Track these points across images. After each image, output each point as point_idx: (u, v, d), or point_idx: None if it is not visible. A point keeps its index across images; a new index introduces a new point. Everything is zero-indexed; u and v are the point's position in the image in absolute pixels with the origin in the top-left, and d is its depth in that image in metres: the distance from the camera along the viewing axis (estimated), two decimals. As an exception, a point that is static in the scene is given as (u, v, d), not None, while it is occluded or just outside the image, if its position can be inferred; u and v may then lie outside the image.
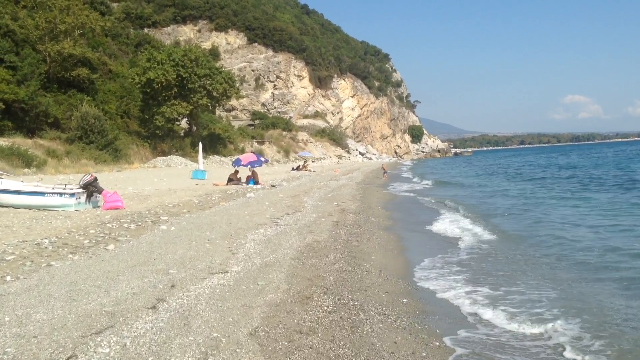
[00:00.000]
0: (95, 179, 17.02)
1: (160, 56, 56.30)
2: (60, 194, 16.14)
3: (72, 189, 16.34)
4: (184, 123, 63.06)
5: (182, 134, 61.40)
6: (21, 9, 55.03)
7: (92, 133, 42.64)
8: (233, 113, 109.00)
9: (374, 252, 11.02)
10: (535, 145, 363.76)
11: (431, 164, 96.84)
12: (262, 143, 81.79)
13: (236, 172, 29.68)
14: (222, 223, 13.72)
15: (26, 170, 31.88)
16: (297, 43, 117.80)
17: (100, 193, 16.90)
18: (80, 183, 16.70)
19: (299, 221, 14.92)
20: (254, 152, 34.51)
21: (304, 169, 53.44)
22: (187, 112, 57.78)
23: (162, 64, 55.08)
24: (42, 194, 16.18)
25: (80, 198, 16.34)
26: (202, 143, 63.19)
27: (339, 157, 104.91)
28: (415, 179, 46.04)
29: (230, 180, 29.08)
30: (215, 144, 65.12)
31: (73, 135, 42.19)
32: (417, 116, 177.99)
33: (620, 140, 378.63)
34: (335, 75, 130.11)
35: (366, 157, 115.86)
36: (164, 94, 54.83)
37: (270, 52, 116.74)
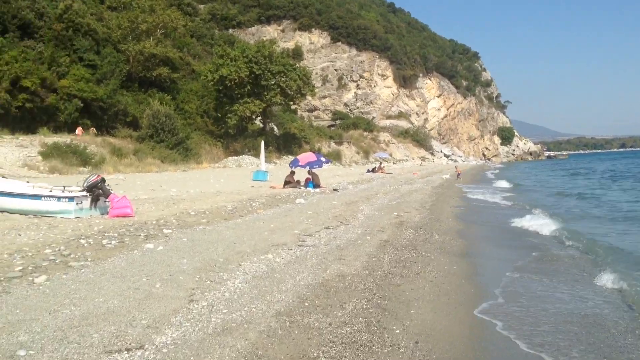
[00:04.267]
0: (103, 180, 14.21)
1: (233, 52, 54.46)
2: (58, 198, 13.44)
3: (71, 191, 13.61)
4: (258, 122, 61.24)
5: (255, 133, 59.19)
6: (106, 9, 55.28)
7: (163, 131, 41.42)
8: (315, 113, 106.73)
9: (418, 299, 7.29)
10: (638, 149, 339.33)
11: (522, 167, 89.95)
12: (340, 143, 78.73)
13: (292, 173, 26.47)
14: (229, 241, 10.43)
15: (82, 168, 30.30)
16: (382, 41, 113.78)
17: (107, 197, 14.08)
18: (84, 185, 13.93)
19: (334, 240, 11.37)
20: (314, 152, 31.34)
21: (380, 170, 49.65)
22: (260, 110, 55.69)
23: (235, 60, 53.15)
24: (37, 197, 13.50)
25: (81, 203, 13.56)
26: (276, 142, 61.26)
27: (423, 159, 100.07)
28: (501, 184, 41.11)
29: (286, 182, 25.94)
30: (290, 143, 62.62)
31: (144, 133, 41.17)
32: (507, 117, 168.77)
33: None
34: (421, 75, 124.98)
35: (451, 159, 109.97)
36: (237, 92, 52.95)
37: (354, 51, 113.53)
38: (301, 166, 26.76)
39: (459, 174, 48.81)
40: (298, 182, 26.27)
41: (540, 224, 15.88)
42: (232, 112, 52.44)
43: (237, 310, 6.09)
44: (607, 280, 8.63)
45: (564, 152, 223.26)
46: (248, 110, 53.43)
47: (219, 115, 54.03)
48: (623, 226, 16.19)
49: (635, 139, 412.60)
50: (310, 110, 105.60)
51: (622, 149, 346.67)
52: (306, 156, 28.13)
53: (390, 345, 5.43)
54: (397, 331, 5.90)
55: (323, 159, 28.84)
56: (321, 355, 5.13)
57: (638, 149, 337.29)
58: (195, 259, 8.50)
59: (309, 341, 5.41)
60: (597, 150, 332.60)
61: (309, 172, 26.86)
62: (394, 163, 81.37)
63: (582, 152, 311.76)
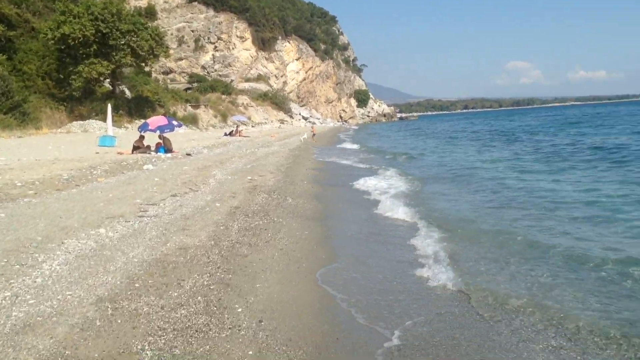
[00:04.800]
0: None
1: (76, 9, 49.77)
2: None
3: None
4: (107, 84, 57.11)
5: (104, 97, 55.13)
6: None
7: (-5, 95, 37.02)
8: (171, 76, 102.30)
9: (266, 270, 6.72)
10: (479, 110, 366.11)
11: (376, 128, 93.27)
12: (197, 107, 76.01)
13: (142, 137, 24.75)
14: (55, 215, 9.15)
15: None
16: (240, 3, 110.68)
17: None
18: None
19: (180, 209, 10.47)
20: (165, 115, 29.64)
21: (238, 134, 48.60)
22: (109, 71, 51.76)
23: (79, 17, 48.63)
24: None
25: None
26: (127, 106, 57.60)
27: (282, 121, 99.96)
28: (356, 145, 41.98)
29: (135, 148, 24.21)
30: (143, 107, 59.14)
31: (-28, 97, 36.59)
32: (363, 80, 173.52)
33: (558, 104, 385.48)
34: (280, 38, 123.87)
35: (310, 122, 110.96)
36: (81, 52, 48.55)
37: (211, 12, 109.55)
38: (151, 130, 25.06)
39: (314, 134, 50.40)
40: (148, 147, 24.66)
41: (386, 185, 16.12)
42: (76, 74, 48.18)
43: (47, 300, 5.11)
44: (427, 243, 8.55)
45: (415, 114, 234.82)
46: (95, 72, 49.34)
47: (62, 77, 49.50)
48: (447, 185, 16.54)
49: (476, 100, 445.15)
50: (166, 73, 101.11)
51: (465, 110, 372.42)
52: (156, 119, 26.37)
53: (230, 328, 4.81)
54: (240, 310, 5.28)
55: (175, 122, 27.22)
56: (146, 347, 4.39)
57: (479, 110, 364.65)
58: (8, 239, 7.25)
59: (134, 331, 4.63)
60: (444, 112, 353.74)
61: (159, 137, 25.30)
62: (252, 126, 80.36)
63: (430, 113, 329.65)
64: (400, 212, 11.36)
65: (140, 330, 4.65)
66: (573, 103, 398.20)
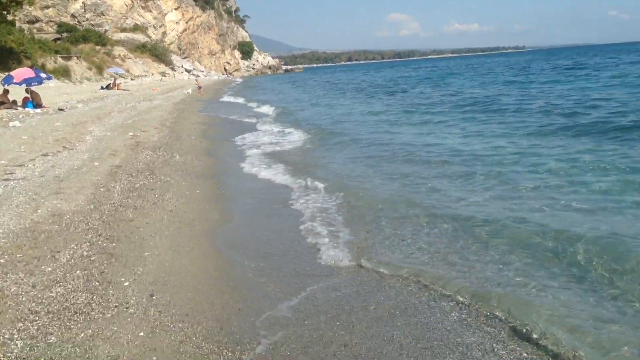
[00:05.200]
0: None
1: None
2: None
3: None
4: (-38, 34, 51.33)
5: (-41, 48, 49.58)
6: None
7: None
8: (37, 25, 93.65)
9: (155, 236, 6.09)
10: (362, 62, 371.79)
11: (262, 81, 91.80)
12: (68, 59, 70.45)
13: (6, 92, 22.38)
14: None
15: None
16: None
17: None
18: None
19: (52, 169, 9.40)
20: (32, 68, 27.00)
21: (116, 87, 45.70)
22: (-37, 19, 46.57)
23: None
24: None
25: None
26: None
27: (163, 74, 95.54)
28: (242, 99, 40.95)
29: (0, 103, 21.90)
30: (7, 59, 53.88)
31: None
32: (247, 32, 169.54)
33: (436, 56, 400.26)
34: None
35: (193, 75, 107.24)
36: None
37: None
38: (16, 83, 22.67)
39: (200, 87, 49.12)
40: (14, 102, 22.37)
41: (273, 140, 15.70)
42: None
43: None
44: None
45: (300, 66, 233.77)
46: (-55, 19, 44.23)
47: None
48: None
49: (359, 52, 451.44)
50: (32, 22, 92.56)
51: (348, 62, 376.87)
52: (22, 72, 23.87)
53: (116, 306, 4.20)
54: (126, 283, 4.66)
55: (43, 74, 24.83)
56: (16, 336, 3.70)
57: (362, 62, 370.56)
58: None
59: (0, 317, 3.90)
60: (328, 64, 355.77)
61: (27, 91, 23.02)
62: (132, 79, 76.13)
63: (315, 65, 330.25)
64: (281, 171, 10.96)
65: (7, 315, 3.94)
66: (449, 55, 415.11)
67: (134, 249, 5.56)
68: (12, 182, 8.23)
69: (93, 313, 4.05)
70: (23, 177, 8.62)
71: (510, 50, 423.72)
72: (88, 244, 5.65)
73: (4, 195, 7.42)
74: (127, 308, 4.18)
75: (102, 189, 8.16)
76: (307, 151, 13.53)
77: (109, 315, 4.05)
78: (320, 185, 8.98)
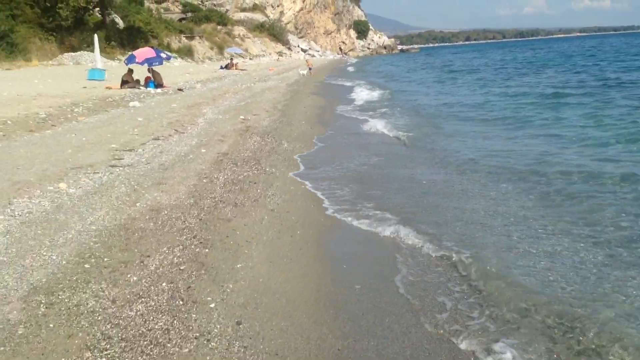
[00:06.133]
0: None
1: None
2: None
3: None
4: (97, 14, 54.52)
5: (95, 27, 52.65)
6: None
7: (-22, 24, 35.11)
8: (164, 5, 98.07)
9: (252, 241, 5.50)
10: (481, 42, 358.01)
11: (379, 62, 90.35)
12: (192, 38, 73.25)
13: (130, 71, 23.15)
14: (13, 164, 7.87)
15: None
16: None
17: None
18: None
19: (159, 155, 9.18)
20: (153, 47, 27.80)
21: (234, 67, 46.60)
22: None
23: (65, -61, 45.71)
24: None
25: None
26: (119, 37, 55.27)
27: (280, 54, 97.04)
28: (359, 80, 40.18)
29: (124, 82, 22.65)
30: (135, 38, 56.70)
31: (-47, 26, 34.65)
32: (362, 11, 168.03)
33: (563, 35, 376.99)
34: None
35: (309, 54, 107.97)
36: (67, -23, 45.94)
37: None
38: (138, 63, 23.38)
39: (310, 68, 47.54)
40: (137, 81, 23.13)
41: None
42: (63, 2, 45.74)
43: None
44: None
45: (416, 46, 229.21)
46: (82, 0, 46.93)
47: (48, 4, 46.97)
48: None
49: (478, 31, 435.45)
50: (159, 2, 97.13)
51: (467, 42, 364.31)
52: (143, 52, 24.60)
53: (197, 337, 3.60)
54: (213, 305, 4.07)
55: (164, 54, 25.46)
56: (82, 369, 3.21)
57: (481, 41, 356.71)
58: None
59: (68, 343, 3.44)
60: (445, 44, 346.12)
61: (149, 70, 23.72)
62: (250, 59, 77.89)
63: (431, 45, 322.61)
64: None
65: (76, 340, 3.48)
66: (578, 34, 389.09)
67: (227, 258, 4.99)
68: (117, 169, 8.04)
69: (169, 345, 3.48)
70: (130, 164, 8.44)
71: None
72: (181, 247, 5.18)
73: (106, 184, 7.20)
74: (208, 340, 3.57)
75: (205, 180, 7.76)
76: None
77: (186, 350, 3.46)
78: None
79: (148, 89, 22.34)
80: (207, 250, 5.15)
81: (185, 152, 9.60)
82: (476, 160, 9.54)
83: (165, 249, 5.12)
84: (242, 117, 14.86)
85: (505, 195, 7.30)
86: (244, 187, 7.54)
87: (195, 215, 6.15)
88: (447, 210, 6.64)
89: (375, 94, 25.98)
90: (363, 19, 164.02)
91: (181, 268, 4.71)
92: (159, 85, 23.17)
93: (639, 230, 5.64)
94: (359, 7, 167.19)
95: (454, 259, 5.12)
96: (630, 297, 4.23)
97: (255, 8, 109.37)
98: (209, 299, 4.17)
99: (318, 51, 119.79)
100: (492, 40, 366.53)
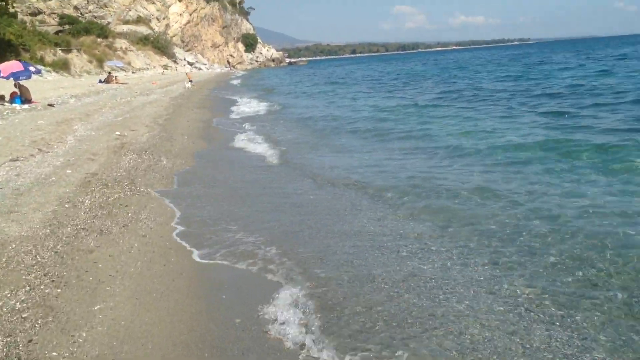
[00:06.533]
0: None
1: None
2: None
3: None
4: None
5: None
6: None
7: None
8: (40, 17, 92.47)
9: (117, 276, 4.76)
10: (366, 55, 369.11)
11: (267, 74, 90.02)
12: (68, 51, 69.17)
13: (-8, 87, 21.17)
14: None
15: None
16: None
17: None
18: None
19: (15, 179, 8.08)
20: (20, 60, 25.67)
21: (115, 81, 44.45)
22: (-40, 12, 45.34)
23: None
24: None
25: None
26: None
27: (165, 67, 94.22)
28: (245, 93, 39.57)
29: (-15, 99, 20.67)
30: (5, 52, 52.65)
31: None
32: (251, 24, 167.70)
33: (441, 49, 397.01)
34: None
35: (195, 67, 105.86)
36: None
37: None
38: (3, 77, 21.42)
39: (190, 81, 46.98)
40: (2, 97, 21.15)
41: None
42: None
43: None
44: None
45: (304, 59, 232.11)
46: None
47: None
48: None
49: (363, 45, 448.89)
50: (34, 14, 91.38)
51: (353, 55, 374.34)
52: (9, 65, 22.58)
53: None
54: (56, 365, 3.36)
55: (32, 68, 23.56)
56: None
57: (366, 54, 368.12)
58: None
59: None
60: (332, 57, 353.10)
61: (15, 85, 21.77)
62: (133, 72, 74.93)
63: (319, 58, 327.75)
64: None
65: None
66: (454, 47, 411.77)
67: (83, 299, 4.24)
68: (-39, 198, 6.94)
69: None
70: (-26, 192, 7.33)
71: (515, 43, 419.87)
72: (27, 288, 4.36)
73: (-57, 217, 6.13)
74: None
75: (67, 205, 6.86)
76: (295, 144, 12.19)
77: None
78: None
79: (13, 105, 20.48)
80: (59, 290, 4.37)
81: (46, 174, 8.55)
82: (349, 177, 9.18)
83: (7, 292, 4.29)
84: (118, 133, 13.80)
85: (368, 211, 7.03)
86: (113, 211, 6.73)
87: (50, 248, 5.31)
88: (318, 233, 6.23)
89: (260, 107, 25.63)
90: (251, 32, 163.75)
91: (24, 316, 3.91)
92: (26, 100, 21.31)
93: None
94: (248, 20, 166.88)
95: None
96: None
97: (139, 20, 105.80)
98: (54, 354, 3.43)
99: (205, 64, 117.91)
100: (376, 53, 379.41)
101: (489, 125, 14.57)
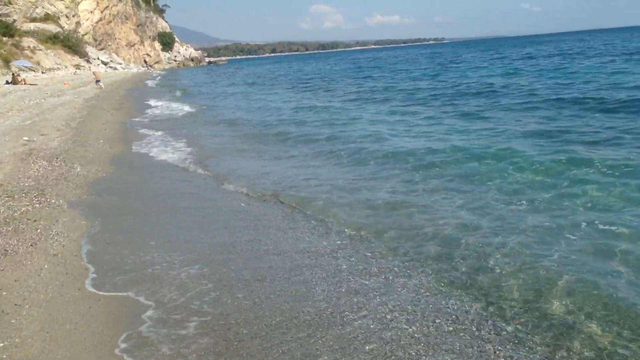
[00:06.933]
0: None
1: None
2: None
3: None
4: None
5: None
6: None
7: None
8: None
9: (23, 305, 4.18)
10: (286, 54, 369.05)
11: (186, 75, 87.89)
12: (-31, 50, 64.95)
13: None
14: None
15: None
16: None
17: None
18: None
19: None
20: None
21: (22, 82, 41.89)
22: None
23: None
24: None
25: None
26: None
27: (77, 67, 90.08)
28: (163, 94, 38.36)
29: None
30: None
31: None
32: (167, 22, 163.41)
33: (360, 48, 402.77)
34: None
35: (110, 67, 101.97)
36: None
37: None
38: None
39: (98, 80, 43.76)
40: None
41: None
42: None
43: None
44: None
45: (224, 58, 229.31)
46: None
47: None
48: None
49: (283, 44, 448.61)
50: None
51: (273, 54, 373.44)
52: None
53: None
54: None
55: None
56: None
57: (286, 53, 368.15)
58: None
59: None
60: (252, 56, 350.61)
61: None
62: (43, 72, 71.17)
63: (239, 57, 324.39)
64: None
65: None
66: (373, 47, 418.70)
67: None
68: None
69: None
70: None
71: (431, 42, 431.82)
72: None
73: None
74: None
75: (-39, 224, 6.13)
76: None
77: None
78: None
79: None
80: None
81: (-57, 187, 7.69)
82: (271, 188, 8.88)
83: None
84: (25, 138, 12.79)
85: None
86: (20, 228, 6.07)
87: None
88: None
89: (179, 108, 24.85)
90: (168, 30, 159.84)
91: None
92: None
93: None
94: (163, 18, 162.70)
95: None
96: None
97: (47, 18, 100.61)
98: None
99: (121, 64, 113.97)
100: (296, 52, 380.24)
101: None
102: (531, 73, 28.67)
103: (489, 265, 5.02)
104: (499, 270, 4.88)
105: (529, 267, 4.88)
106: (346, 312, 4.21)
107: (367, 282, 4.79)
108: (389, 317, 4.12)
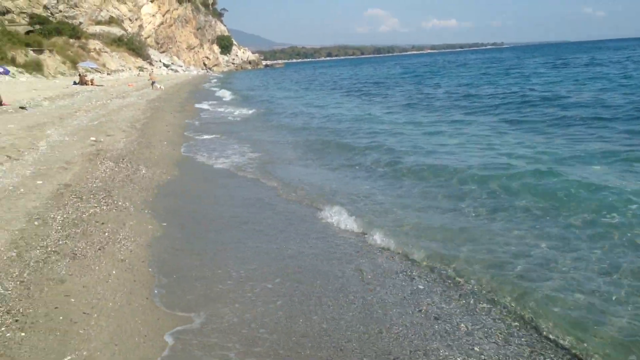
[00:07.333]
0: None
1: None
2: None
3: None
4: None
5: None
6: None
7: None
8: (8, 17, 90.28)
9: (91, 314, 4.08)
10: (342, 57, 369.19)
11: (246, 78, 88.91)
12: (40, 52, 67.49)
13: (-43, 89, 20.12)
14: None
15: None
16: None
17: None
18: None
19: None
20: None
21: (89, 82, 43.18)
22: None
23: None
24: None
25: None
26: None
27: (141, 69, 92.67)
28: (225, 95, 38.76)
29: (-48, 101, 19.65)
30: (-27, 52, 51.11)
31: None
32: (225, 26, 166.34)
33: (416, 52, 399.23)
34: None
35: (172, 70, 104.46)
36: None
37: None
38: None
39: (153, 82, 44.01)
40: (-31, 99, 20.16)
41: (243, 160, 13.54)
42: None
43: None
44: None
45: (280, 61, 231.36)
46: None
47: None
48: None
49: (338, 48, 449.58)
50: (2, 13, 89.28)
51: (328, 58, 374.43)
52: (-24, 66, 21.61)
53: None
54: None
55: (0, 69, 22.56)
56: None
57: (342, 57, 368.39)
58: None
59: None
60: (308, 59, 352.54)
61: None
62: (108, 74, 73.47)
63: (295, 60, 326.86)
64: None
65: None
66: (429, 51, 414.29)
67: (52, 347, 3.54)
68: None
69: None
70: None
71: (489, 47, 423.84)
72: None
73: None
74: None
75: (36, 222, 6.13)
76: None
77: None
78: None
79: (-18, 107, 19.50)
80: (23, 334, 3.68)
81: (14, 185, 7.78)
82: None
83: (-40, 336, 3.58)
84: (93, 138, 13.00)
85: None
86: (88, 230, 6.02)
87: (16, 277, 4.60)
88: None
89: (242, 112, 24.88)
90: (226, 34, 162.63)
91: (-22, 371, 3.23)
92: (-4, 102, 20.34)
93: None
94: (222, 22, 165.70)
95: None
96: None
97: (111, 21, 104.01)
98: None
99: (181, 66, 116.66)
100: (352, 57, 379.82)
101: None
102: (608, 81, 26.96)
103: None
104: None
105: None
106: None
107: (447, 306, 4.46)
108: (477, 349, 3.78)
